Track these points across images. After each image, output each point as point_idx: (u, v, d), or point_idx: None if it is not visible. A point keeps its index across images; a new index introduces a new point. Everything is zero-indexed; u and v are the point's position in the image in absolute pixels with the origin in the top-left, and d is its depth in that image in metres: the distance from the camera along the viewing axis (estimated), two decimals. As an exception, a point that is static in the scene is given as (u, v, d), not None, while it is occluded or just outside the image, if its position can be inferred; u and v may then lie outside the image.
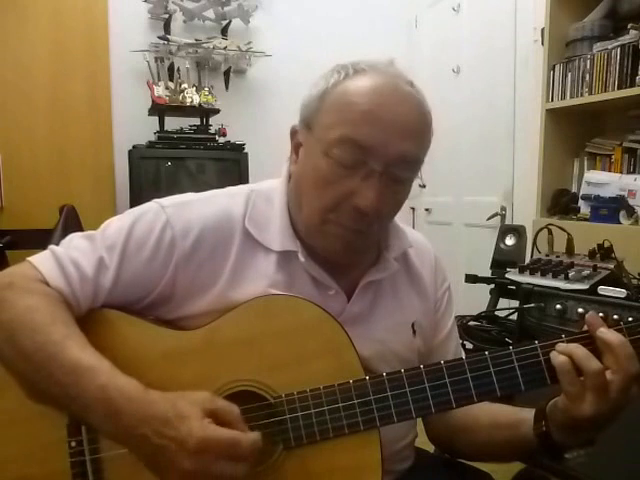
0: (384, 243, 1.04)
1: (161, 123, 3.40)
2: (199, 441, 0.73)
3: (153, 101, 3.35)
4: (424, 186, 0.97)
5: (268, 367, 0.88)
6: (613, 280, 1.59)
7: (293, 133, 0.99)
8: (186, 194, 1.00)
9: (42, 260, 0.90)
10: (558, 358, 0.84)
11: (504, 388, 0.88)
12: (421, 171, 0.97)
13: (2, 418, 0.86)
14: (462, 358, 0.89)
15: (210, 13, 3.72)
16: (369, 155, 0.88)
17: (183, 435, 0.74)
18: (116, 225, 0.94)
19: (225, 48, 3.65)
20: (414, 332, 1.04)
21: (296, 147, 0.98)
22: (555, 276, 1.67)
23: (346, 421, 0.86)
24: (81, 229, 0.95)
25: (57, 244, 0.93)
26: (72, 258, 0.89)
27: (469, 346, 1.79)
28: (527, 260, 1.98)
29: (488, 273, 2.12)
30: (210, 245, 0.94)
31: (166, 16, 3.59)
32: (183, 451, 0.73)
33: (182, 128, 3.45)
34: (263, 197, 1.00)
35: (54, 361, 0.80)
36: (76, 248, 0.91)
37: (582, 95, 2.61)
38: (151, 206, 0.96)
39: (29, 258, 0.91)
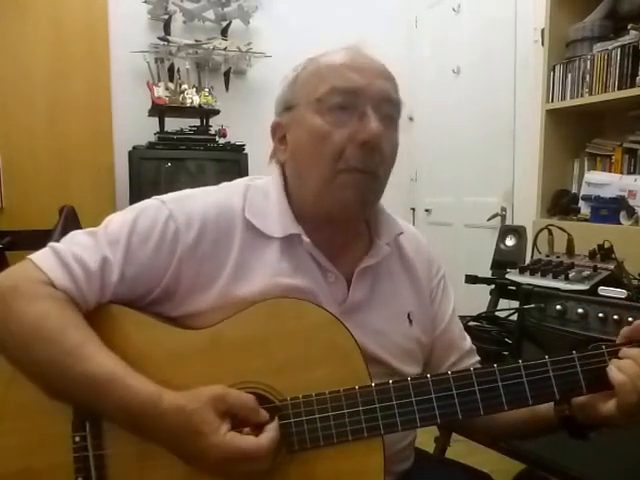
0: (375, 231, 1.06)
1: (161, 124, 3.40)
2: (217, 458, 0.78)
3: (153, 102, 3.35)
4: (412, 119, 1.02)
5: (275, 370, 0.88)
6: (613, 280, 1.58)
7: (274, 128, 1.04)
8: (184, 190, 1.02)
9: (44, 259, 0.89)
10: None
11: (511, 402, 0.88)
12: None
13: (8, 409, 0.86)
14: (470, 369, 0.89)
15: (210, 14, 3.72)
16: (357, 98, 0.94)
17: (201, 450, 0.79)
18: (118, 221, 0.94)
19: (225, 49, 3.66)
20: (410, 322, 1.06)
21: (281, 139, 1.02)
22: (555, 277, 1.66)
23: (350, 427, 0.86)
24: (80, 229, 0.95)
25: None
26: (75, 255, 0.89)
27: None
28: (527, 261, 1.97)
29: (488, 274, 2.12)
30: (213, 236, 0.95)
31: (166, 17, 3.59)
32: (205, 462, 0.80)
33: (182, 129, 3.45)
34: (259, 191, 1.02)
35: (70, 373, 0.82)
36: (79, 244, 0.91)
37: (582, 96, 2.61)
38: (152, 202, 0.98)
39: (30, 256, 0.90)
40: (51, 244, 0.91)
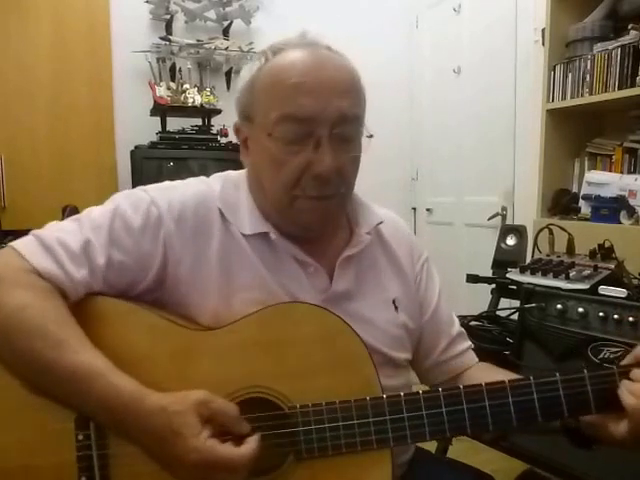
0: (355, 221, 1.07)
1: (163, 123, 3.40)
2: (195, 462, 0.77)
3: (155, 101, 3.35)
4: (371, 136, 0.97)
5: (285, 375, 0.87)
6: (614, 280, 1.59)
7: (237, 130, 1.03)
8: (165, 182, 1.03)
9: (27, 246, 0.88)
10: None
11: (520, 420, 0.86)
12: (365, 124, 0.98)
13: (9, 405, 0.85)
14: (482, 384, 0.88)
15: (211, 14, 3.73)
16: (311, 125, 0.90)
17: (180, 453, 0.77)
18: (100, 209, 0.95)
19: (226, 49, 3.66)
20: (396, 308, 1.06)
21: (244, 141, 1.01)
22: (556, 276, 1.67)
23: (359, 438, 0.85)
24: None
25: None
26: (59, 239, 0.88)
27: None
28: (528, 260, 1.98)
29: (489, 273, 2.13)
30: (192, 225, 0.95)
31: (168, 17, 3.59)
32: (181, 467, 0.78)
33: (184, 128, 3.45)
34: (231, 183, 1.03)
35: (53, 368, 0.80)
36: (61, 230, 0.91)
37: (582, 95, 2.62)
38: (133, 191, 1.00)
39: (12, 244, 0.88)
40: (34, 231, 0.90)
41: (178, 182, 1.03)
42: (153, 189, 0.99)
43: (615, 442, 0.86)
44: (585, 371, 0.87)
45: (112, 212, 0.93)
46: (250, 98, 0.96)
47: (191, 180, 1.04)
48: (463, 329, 1.17)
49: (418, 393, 0.87)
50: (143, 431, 0.79)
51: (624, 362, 0.90)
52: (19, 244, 0.88)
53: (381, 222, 1.09)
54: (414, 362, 1.13)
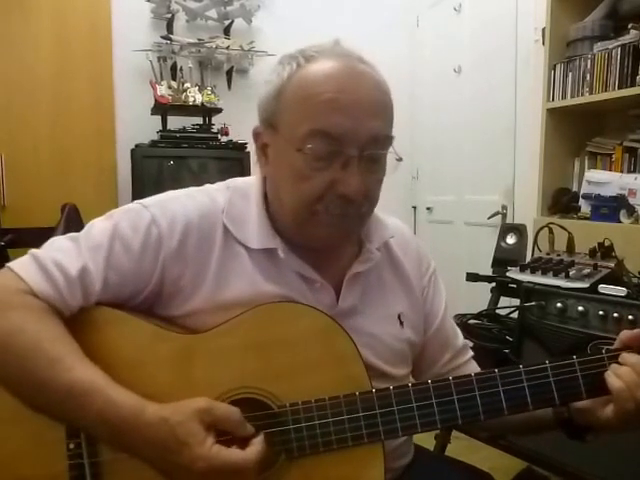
0: (365, 234, 1.04)
1: (164, 122, 3.41)
2: (202, 470, 0.76)
3: (156, 100, 3.36)
4: (401, 159, 0.94)
5: (274, 375, 0.87)
6: (613, 279, 1.60)
7: (256, 135, 0.99)
8: (167, 192, 1.00)
9: (24, 266, 0.86)
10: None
11: (511, 407, 0.87)
12: (393, 145, 0.95)
13: (1, 416, 0.84)
14: (471, 375, 0.88)
15: (212, 13, 3.73)
16: (342, 143, 0.87)
17: (186, 463, 0.77)
18: (100, 226, 0.92)
19: (227, 48, 3.66)
20: (401, 323, 1.05)
21: (263, 148, 0.98)
22: (556, 275, 1.68)
23: (350, 433, 0.85)
24: (82, 228, 0.93)
25: None
26: (55, 260, 0.86)
27: (470, 344, 1.80)
28: (528, 259, 1.99)
29: (489, 271, 2.13)
30: (195, 240, 0.93)
31: (169, 16, 3.60)
32: (190, 475, 0.77)
33: (185, 127, 3.46)
34: (239, 193, 1.00)
35: (49, 386, 0.79)
36: (59, 250, 0.88)
37: (583, 95, 2.62)
38: (134, 206, 0.96)
39: (10, 264, 0.87)
40: (32, 251, 0.89)
41: (181, 193, 0.99)
42: (154, 204, 0.95)
43: (602, 425, 0.88)
44: (574, 357, 0.89)
45: (111, 232, 0.90)
46: (276, 106, 0.92)
47: (194, 191, 1.00)
48: (467, 341, 1.17)
49: (407, 386, 0.87)
50: (145, 443, 0.78)
51: (613, 347, 0.91)
52: (16, 264, 0.87)
53: (391, 237, 1.07)
54: (415, 372, 1.12)
